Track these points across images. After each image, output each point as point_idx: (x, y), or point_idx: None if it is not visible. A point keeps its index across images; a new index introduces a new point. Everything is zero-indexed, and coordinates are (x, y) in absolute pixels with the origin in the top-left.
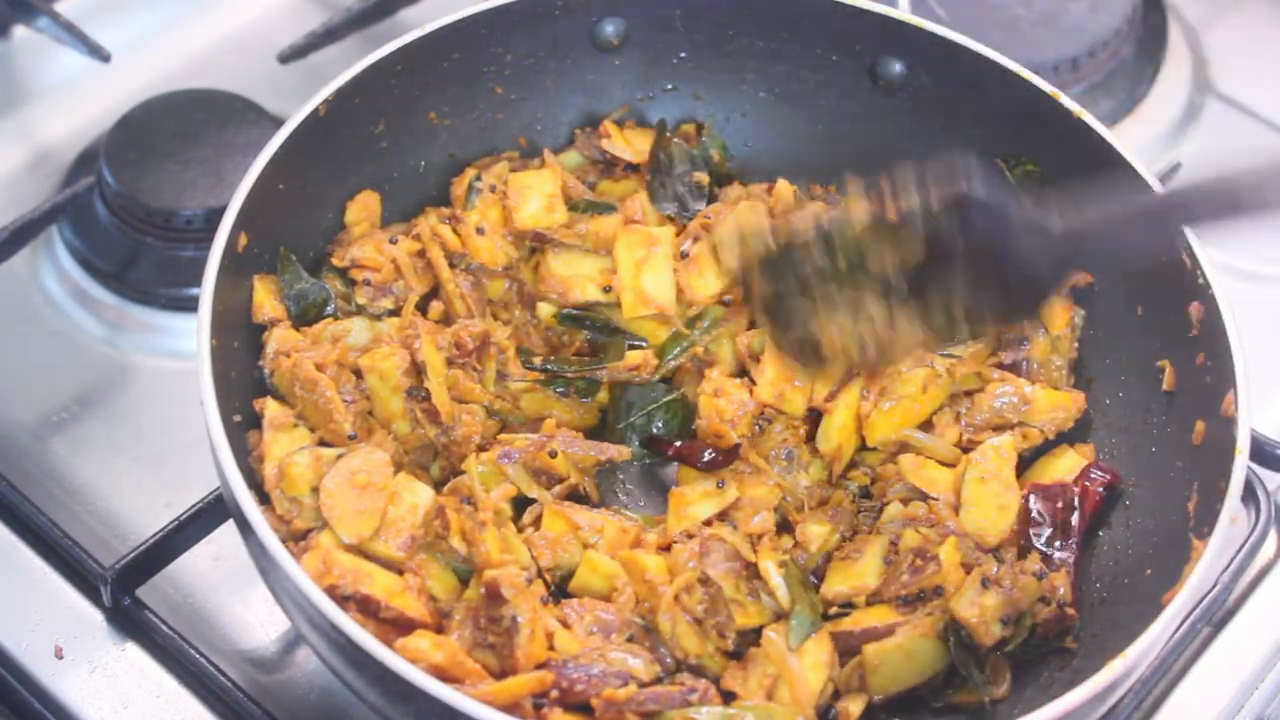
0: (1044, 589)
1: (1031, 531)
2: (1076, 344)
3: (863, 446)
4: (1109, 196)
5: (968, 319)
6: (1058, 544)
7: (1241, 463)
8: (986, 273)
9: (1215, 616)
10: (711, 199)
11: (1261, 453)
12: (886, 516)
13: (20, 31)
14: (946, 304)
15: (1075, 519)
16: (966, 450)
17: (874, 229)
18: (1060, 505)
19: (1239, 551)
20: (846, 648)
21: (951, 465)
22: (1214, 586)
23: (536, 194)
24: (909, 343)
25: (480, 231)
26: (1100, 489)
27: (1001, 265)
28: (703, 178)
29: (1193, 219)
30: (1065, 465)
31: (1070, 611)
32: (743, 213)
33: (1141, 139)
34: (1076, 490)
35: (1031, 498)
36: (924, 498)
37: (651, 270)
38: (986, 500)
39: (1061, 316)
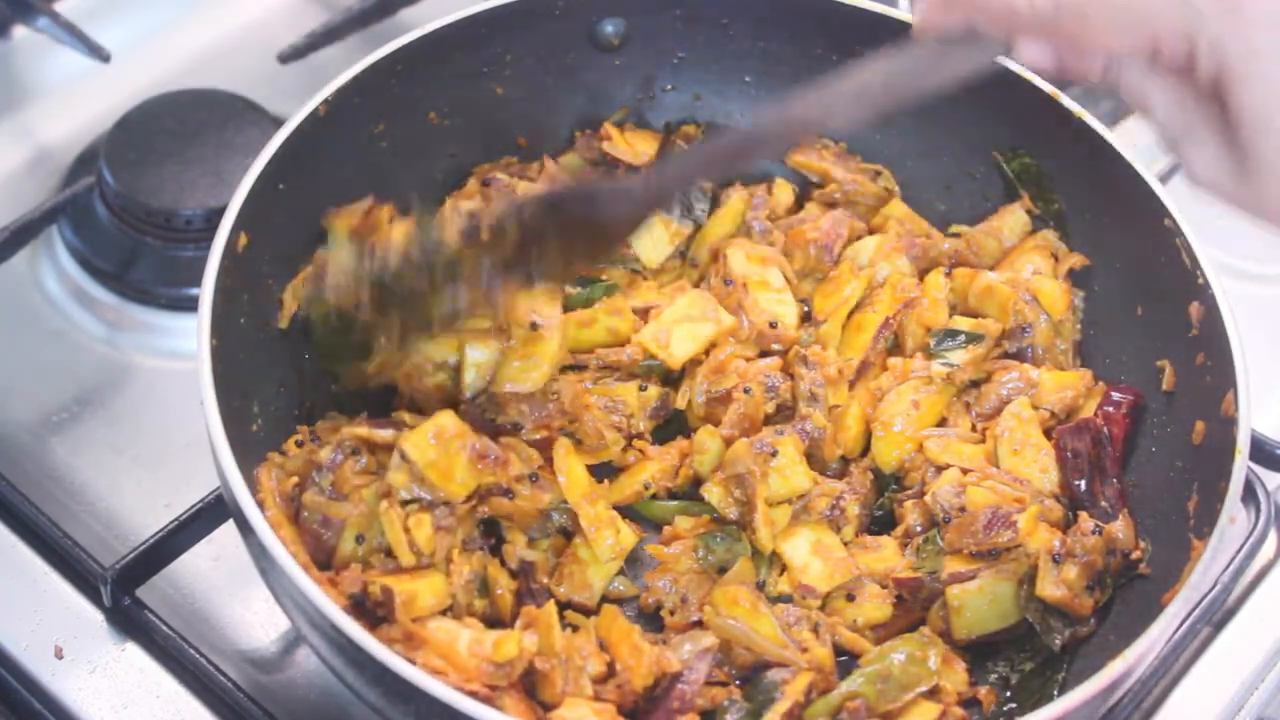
0: (1107, 542)
1: (1074, 481)
2: (1079, 325)
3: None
4: (690, 151)
5: (558, 270)
6: (1101, 487)
7: (1241, 463)
8: (575, 236)
9: (1215, 616)
10: (715, 201)
11: (1261, 453)
12: (939, 483)
13: (20, 31)
14: (539, 263)
15: (1108, 455)
16: (981, 441)
17: (468, 244)
18: (1091, 441)
19: (1239, 551)
20: (931, 595)
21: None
22: (1214, 586)
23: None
24: (512, 298)
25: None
26: (1125, 412)
27: (590, 227)
28: (706, 183)
29: (756, 152)
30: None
31: (1136, 555)
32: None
33: (1141, 139)
34: (1101, 421)
35: (1062, 441)
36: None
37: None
38: (1029, 467)
39: (1063, 300)
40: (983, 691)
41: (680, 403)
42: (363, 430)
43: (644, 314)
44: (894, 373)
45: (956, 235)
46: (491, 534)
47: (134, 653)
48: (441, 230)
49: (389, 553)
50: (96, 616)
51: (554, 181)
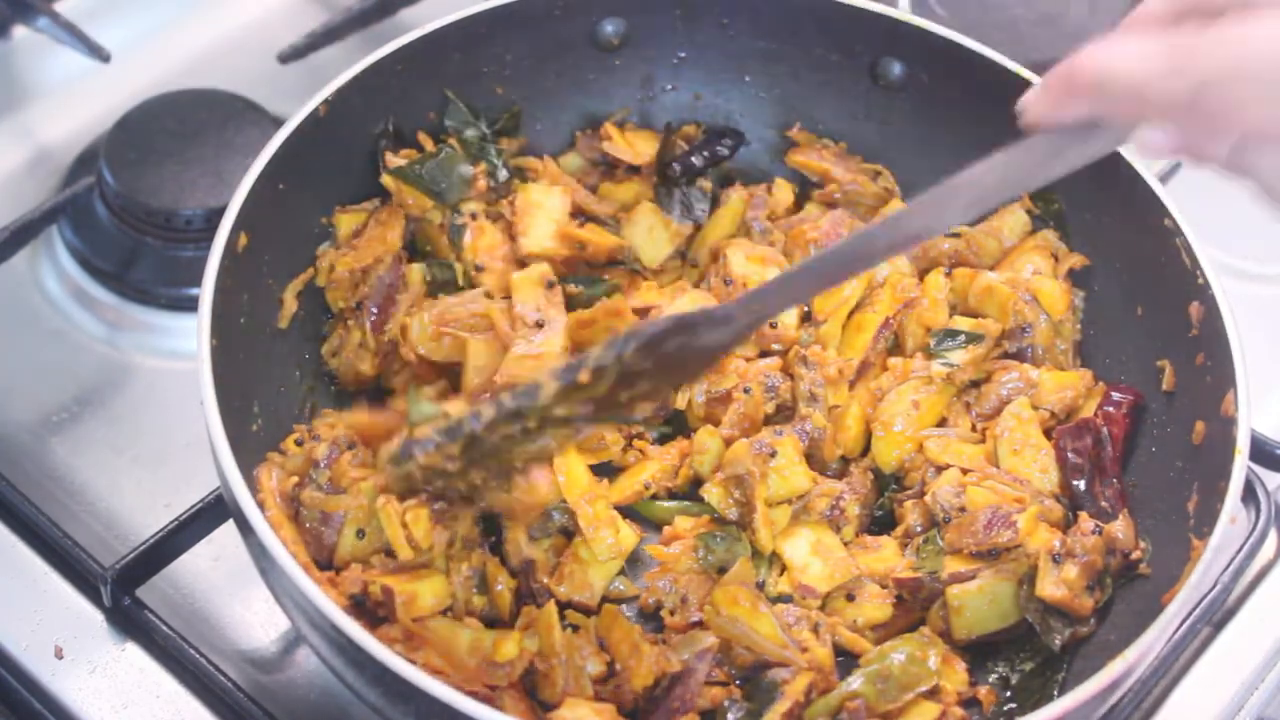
0: (1107, 542)
1: (1073, 482)
2: (1079, 326)
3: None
4: (791, 273)
5: (651, 399)
6: (1101, 487)
7: (1241, 463)
8: (670, 368)
9: (1215, 616)
10: (715, 201)
11: (1261, 453)
12: (939, 483)
13: (20, 31)
14: (630, 399)
15: (1108, 455)
16: (981, 441)
17: (563, 392)
18: (1091, 442)
19: (1239, 551)
20: (931, 595)
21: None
22: (1214, 586)
23: (544, 218)
24: (591, 436)
25: (479, 269)
26: (1125, 412)
27: (687, 358)
28: (705, 184)
29: (863, 267)
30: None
31: (1136, 555)
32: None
33: (1141, 139)
34: (1101, 421)
35: (1062, 441)
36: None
37: None
38: (1029, 467)
39: (1063, 300)
40: (983, 691)
41: (680, 403)
42: (363, 417)
43: (644, 313)
44: (894, 373)
45: (956, 235)
46: (491, 532)
47: (134, 653)
48: (540, 385)
49: (389, 553)
50: (96, 616)
51: (653, 319)
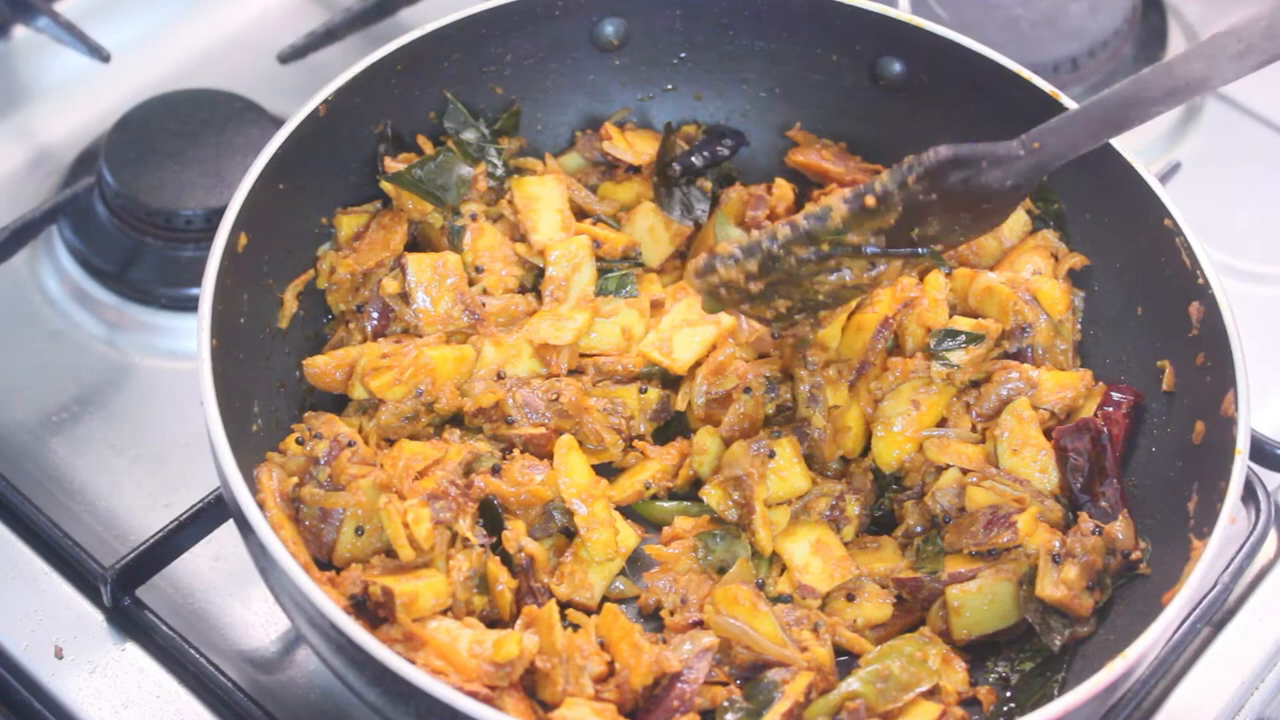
0: (1107, 542)
1: (1073, 482)
2: (1079, 326)
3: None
4: (1069, 117)
5: (942, 240)
6: (1101, 487)
7: (1241, 463)
8: (957, 207)
9: (1215, 616)
10: (715, 201)
11: (1261, 453)
12: (939, 484)
13: (20, 31)
14: (921, 237)
15: (1108, 456)
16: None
17: (852, 216)
18: (1091, 442)
19: (1239, 551)
20: (931, 595)
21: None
22: (1214, 586)
23: (547, 209)
24: (892, 273)
25: (480, 270)
26: (1125, 412)
27: (973, 197)
28: (705, 184)
29: (1125, 121)
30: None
31: (1136, 555)
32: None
33: (1141, 139)
34: (1101, 421)
35: (1062, 441)
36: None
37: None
38: (1028, 467)
39: (1063, 300)
40: (983, 691)
41: (680, 404)
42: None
43: (659, 306)
44: (894, 373)
45: None
46: (491, 532)
47: (134, 653)
48: (830, 206)
49: (389, 553)
50: (96, 616)
51: (935, 150)
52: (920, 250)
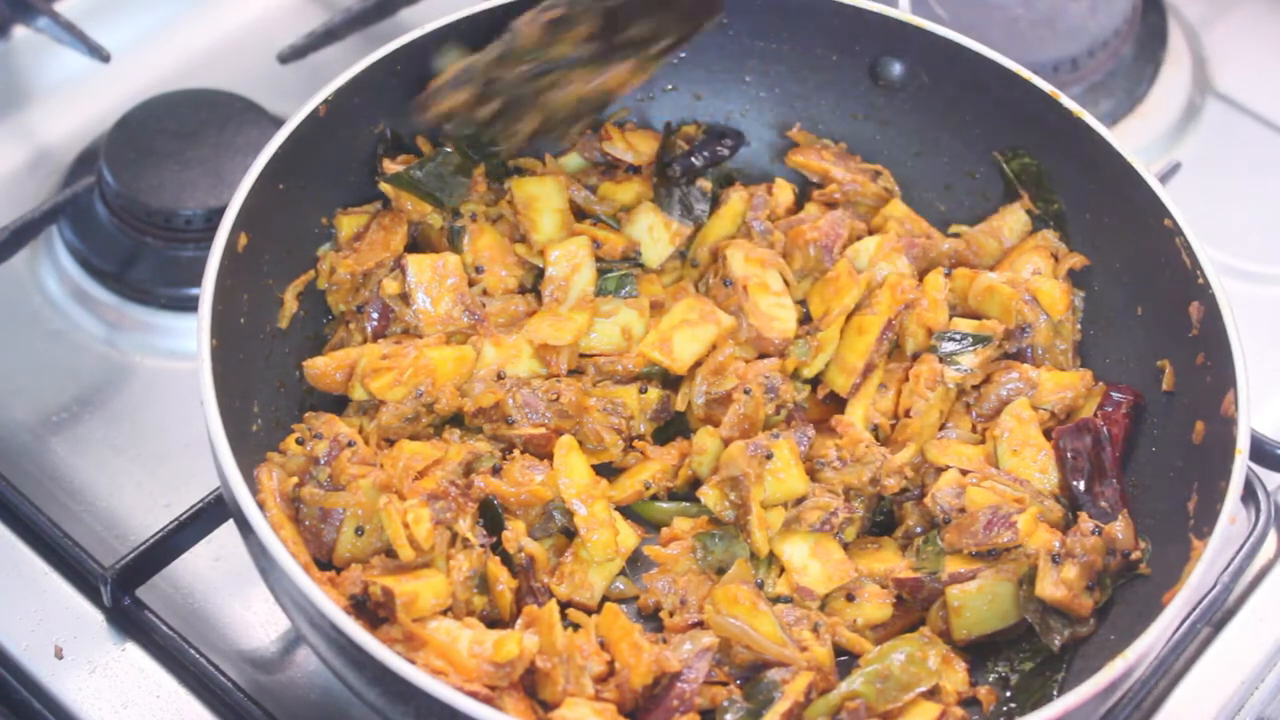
0: (1107, 542)
1: (1073, 482)
2: (1079, 326)
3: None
4: None
5: (661, 40)
6: (1101, 487)
7: (1241, 463)
8: (655, 6)
9: (1215, 616)
10: (715, 201)
11: (1261, 453)
12: (939, 484)
13: (20, 31)
14: (635, 39)
15: (1108, 456)
16: (981, 441)
17: (544, 33)
18: (1091, 442)
19: (1239, 551)
20: (931, 595)
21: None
22: (1214, 586)
23: (547, 209)
24: (622, 76)
25: (479, 271)
26: (1125, 412)
27: None
28: (705, 184)
29: None
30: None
31: (1136, 555)
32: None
33: (1141, 139)
34: (1100, 421)
35: (1062, 441)
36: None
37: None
38: (1028, 467)
39: (1063, 300)
40: (983, 691)
41: (680, 404)
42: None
43: (659, 307)
44: (914, 382)
45: (956, 235)
46: (491, 532)
47: (134, 653)
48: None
49: (389, 553)
50: (96, 616)
51: None
52: (652, 49)
